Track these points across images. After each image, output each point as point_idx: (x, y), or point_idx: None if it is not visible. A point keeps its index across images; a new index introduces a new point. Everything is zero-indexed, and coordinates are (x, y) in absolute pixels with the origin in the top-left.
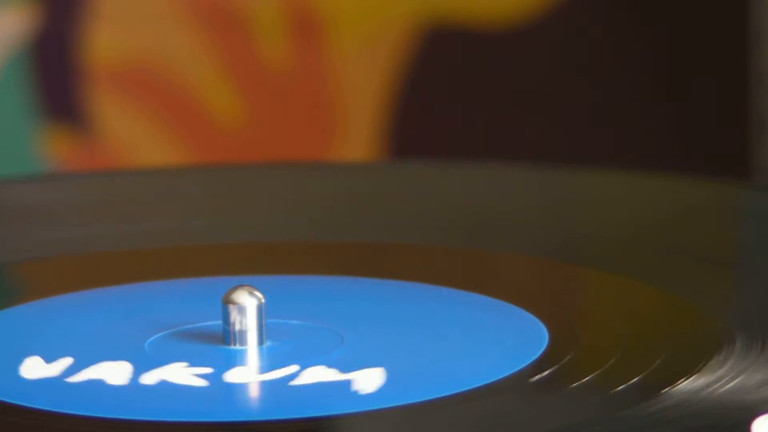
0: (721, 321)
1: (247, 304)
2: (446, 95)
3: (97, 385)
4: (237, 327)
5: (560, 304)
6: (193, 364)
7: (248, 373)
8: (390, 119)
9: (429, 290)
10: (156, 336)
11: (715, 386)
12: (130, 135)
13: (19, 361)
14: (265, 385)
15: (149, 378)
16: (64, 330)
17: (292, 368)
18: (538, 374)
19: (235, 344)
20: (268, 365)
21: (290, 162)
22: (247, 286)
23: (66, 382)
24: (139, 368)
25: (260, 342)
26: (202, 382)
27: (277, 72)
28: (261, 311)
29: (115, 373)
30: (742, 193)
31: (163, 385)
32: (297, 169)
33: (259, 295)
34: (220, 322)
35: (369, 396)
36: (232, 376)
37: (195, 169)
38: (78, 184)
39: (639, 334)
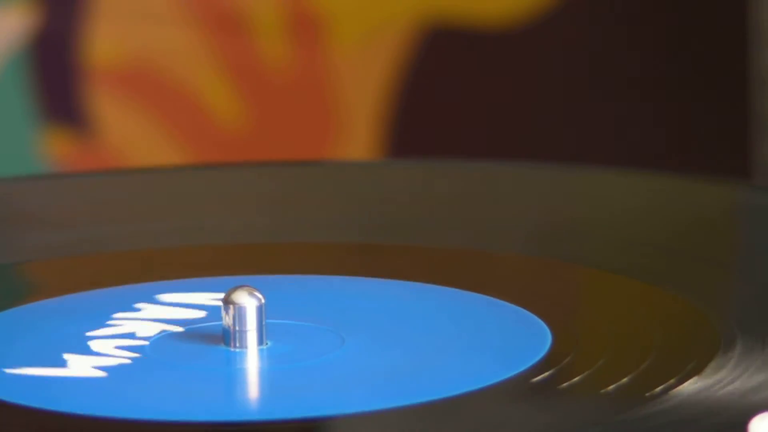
0: (722, 321)
1: (247, 304)
2: (446, 95)
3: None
4: (237, 327)
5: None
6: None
7: None
8: (390, 119)
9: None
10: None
11: (715, 387)
12: (130, 135)
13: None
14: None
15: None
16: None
17: None
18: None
19: (235, 345)
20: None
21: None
22: (247, 286)
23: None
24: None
25: (260, 342)
26: None
27: (276, 72)
28: (261, 311)
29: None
30: (742, 193)
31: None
32: (297, 169)
33: (259, 295)
34: (220, 322)
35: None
36: None
37: (195, 169)
38: (78, 184)
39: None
